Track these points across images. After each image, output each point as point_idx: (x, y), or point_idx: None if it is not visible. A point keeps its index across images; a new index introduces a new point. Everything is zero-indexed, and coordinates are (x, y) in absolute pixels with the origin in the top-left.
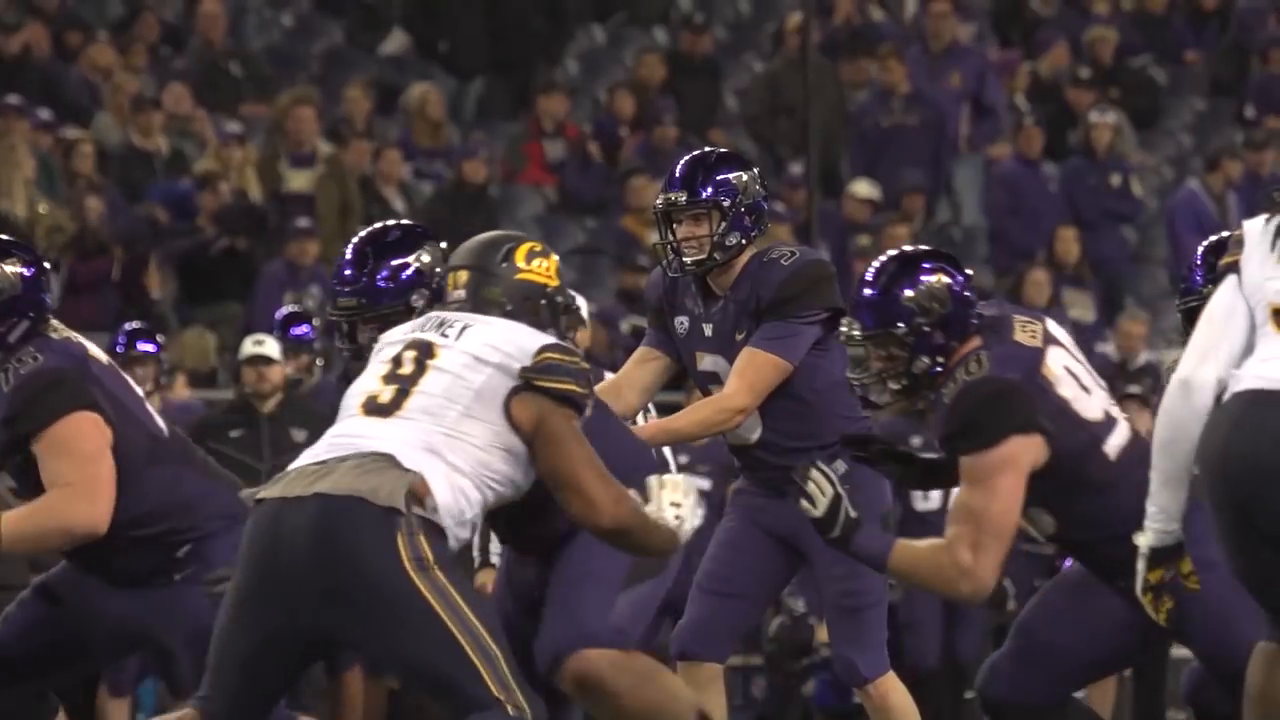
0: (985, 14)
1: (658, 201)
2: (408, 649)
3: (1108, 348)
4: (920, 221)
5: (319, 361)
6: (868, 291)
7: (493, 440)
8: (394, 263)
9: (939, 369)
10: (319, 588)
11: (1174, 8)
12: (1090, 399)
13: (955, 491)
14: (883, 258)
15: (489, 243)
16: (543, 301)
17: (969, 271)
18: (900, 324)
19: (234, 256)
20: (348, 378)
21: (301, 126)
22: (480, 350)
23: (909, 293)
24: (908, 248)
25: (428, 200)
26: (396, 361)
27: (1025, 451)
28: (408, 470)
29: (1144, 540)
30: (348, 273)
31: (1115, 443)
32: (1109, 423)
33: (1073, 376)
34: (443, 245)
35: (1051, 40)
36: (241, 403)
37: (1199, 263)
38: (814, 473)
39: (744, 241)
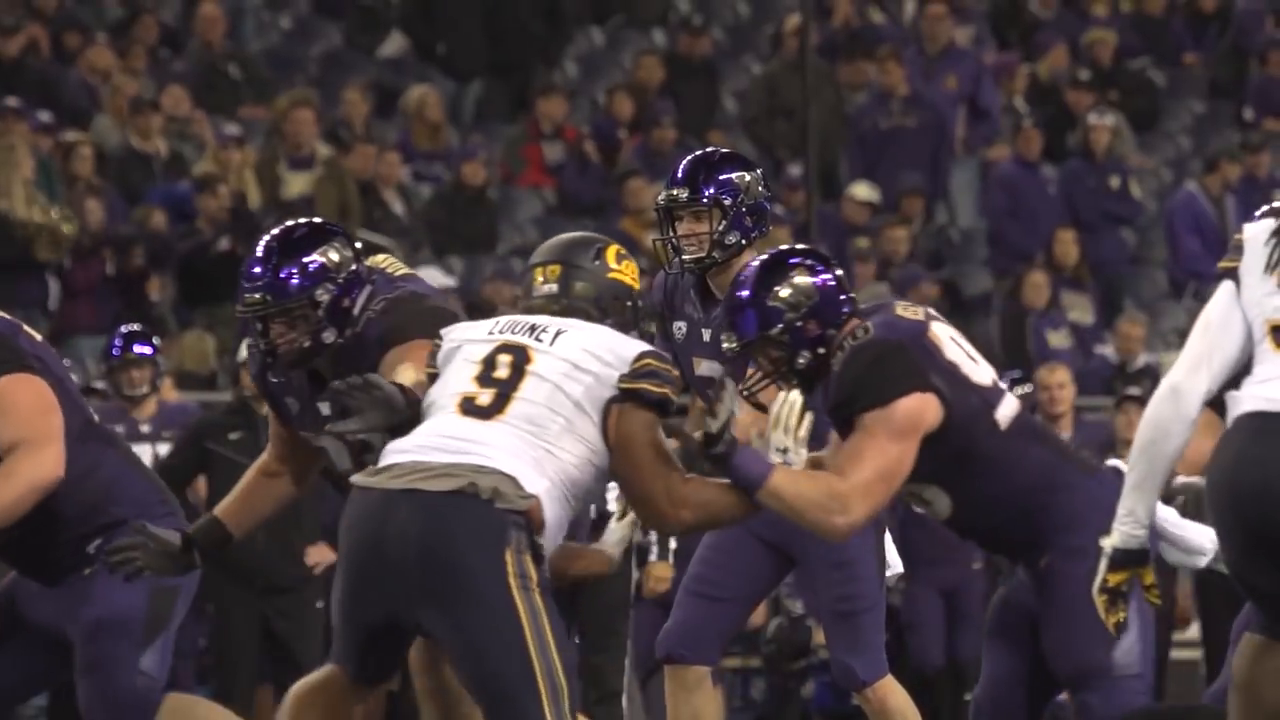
0: (984, 16)
1: (660, 198)
2: (484, 656)
3: (1107, 350)
4: (919, 224)
5: None
6: (737, 299)
7: (588, 458)
8: (300, 259)
9: (821, 357)
10: (421, 583)
11: (1173, 10)
12: (978, 368)
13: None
14: (750, 265)
15: (580, 240)
16: (629, 303)
17: (838, 270)
18: (775, 325)
19: (233, 259)
20: (263, 377)
21: (300, 129)
22: (578, 357)
23: (779, 292)
24: (772, 251)
25: (426, 202)
26: (489, 364)
27: (919, 408)
28: (528, 494)
29: (1109, 541)
30: (255, 269)
31: (1005, 412)
32: (998, 391)
33: (959, 346)
34: (357, 244)
35: (1050, 42)
36: (240, 404)
37: None
38: (730, 388)
39: (744, 241)
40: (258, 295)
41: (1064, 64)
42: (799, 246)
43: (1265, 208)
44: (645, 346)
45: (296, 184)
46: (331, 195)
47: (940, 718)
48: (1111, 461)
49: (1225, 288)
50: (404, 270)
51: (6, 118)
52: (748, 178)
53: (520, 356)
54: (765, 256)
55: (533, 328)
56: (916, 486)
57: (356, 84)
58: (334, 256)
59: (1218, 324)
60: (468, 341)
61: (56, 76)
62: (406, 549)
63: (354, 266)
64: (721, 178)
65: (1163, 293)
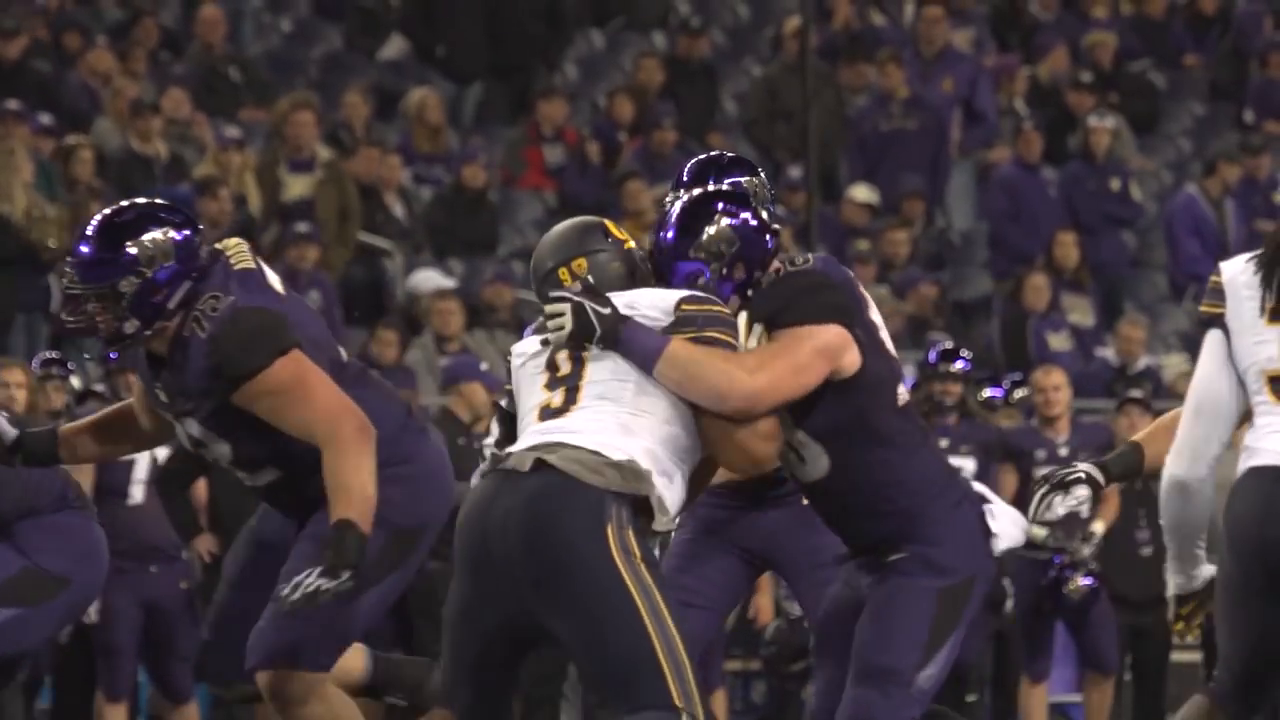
0: (984, 18)
1: (666, 200)
2: (600, 637)
3: (1107, 352)
4: (919, 226)
5: None
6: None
7: (672, 411)
8: (117, 246)
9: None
10: (528, 571)
11: (1173, 12)
12: (890, 343)
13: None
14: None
15: (585, 228)
16: (645, 265)
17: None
18: (699, 279)
19: None
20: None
21: (300, 132)
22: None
23: (701, 241)
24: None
25: (427, 205)
26: (552, 366)
27: (842, 341)
28: (620, 462)
29: (1171, 584)
30: (79, 247)
31: (904, 393)
32: (902, 371)
33: (879, 316)
34: (200, 227)
35: (1051, 44)
36: None
37: None
38: (550, 305)
39: None
40: (71, 273)
41: (1064, 66)
42: (716, 189)
43: (1248, 255)
44: (681, 293)
45: (297, 187)
46: (332, 198)
47: None
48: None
49: (1212, 339)
50: (245, 264)
51: (6, 121)
52: (755, 182)
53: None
54: (685, 201)
55: None
56: (803, 437)
57: (357, 86)
58: (151, 247)
59: (1210, 406)
60: (530, 356)
61: (57, 79)
62: (509, 540)
63: (178, 258)
64: (730, 181)
65: (1163, 295)
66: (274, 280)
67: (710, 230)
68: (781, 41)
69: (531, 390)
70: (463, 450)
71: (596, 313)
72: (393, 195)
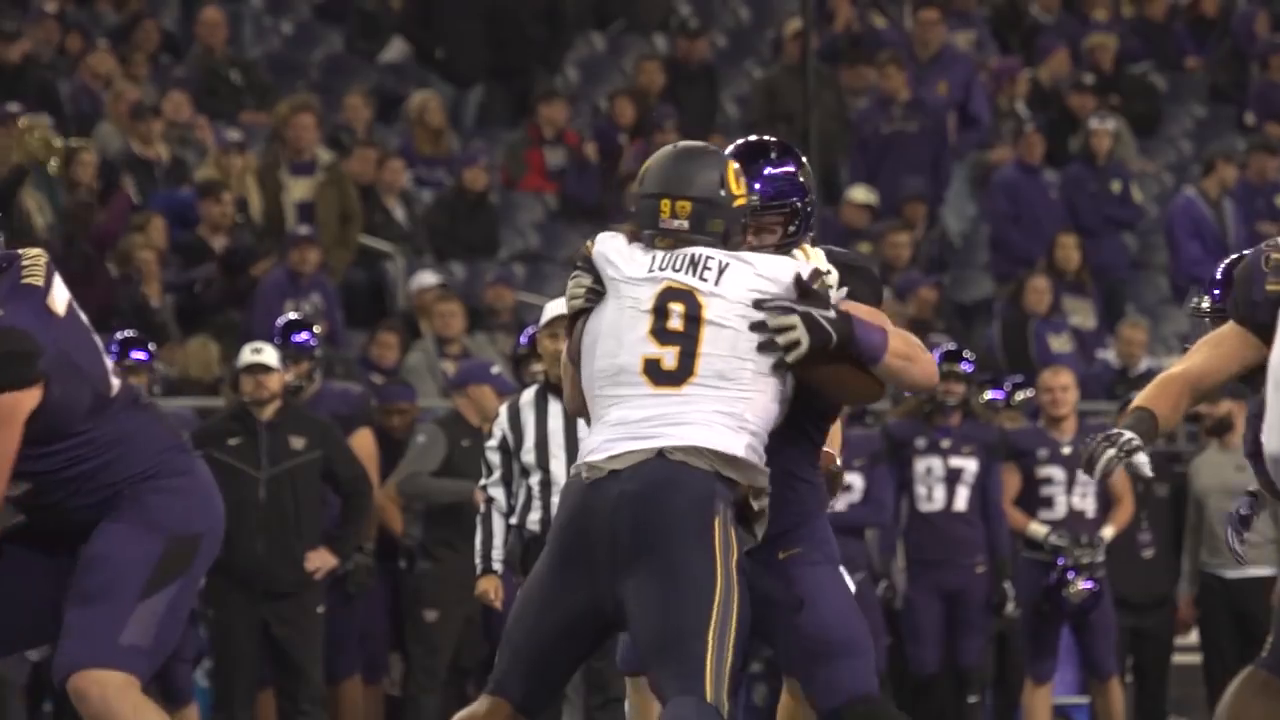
0: (985, 21)
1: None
2: (670, 610)
3: (1108, 354)
4: (921, 229)
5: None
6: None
7: (778, 390)
8: None
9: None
10: (629, 551)
11: (1174, 14)
12: None
13: (959, 493)
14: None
15: (713, 166)
16: (744, 220)
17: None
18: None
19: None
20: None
21: (301, 134)
22: (745, 297)
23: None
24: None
25: (428, 207)
26: (662, 314)
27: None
28: (728, 455)
29: None
30: None
31: None
32: None
33: None
34: None
35: (1052, 47)
36: (240, 411)
37: (1221, 279)
38: (775, 318)
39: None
40: None
41: (1065, 68)
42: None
43: None
44: (796, 267)
45: (298, 189)
46: (333, 200)
47: None
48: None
49: None
50: (32, 279)
51: (8, 123)
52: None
53: (691, 304)
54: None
55: (693, 262)
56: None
57: (358, 89)
58: None
59: None
60: (626, 281)
61: (58, 82)
62: (618, 518)
63: None
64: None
65: (1164, 297)
66: (58, 303)
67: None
68: (782, 44)
69: (634, 327)
70: (466, 452)
71: (827, 319)
72: (393, 198)
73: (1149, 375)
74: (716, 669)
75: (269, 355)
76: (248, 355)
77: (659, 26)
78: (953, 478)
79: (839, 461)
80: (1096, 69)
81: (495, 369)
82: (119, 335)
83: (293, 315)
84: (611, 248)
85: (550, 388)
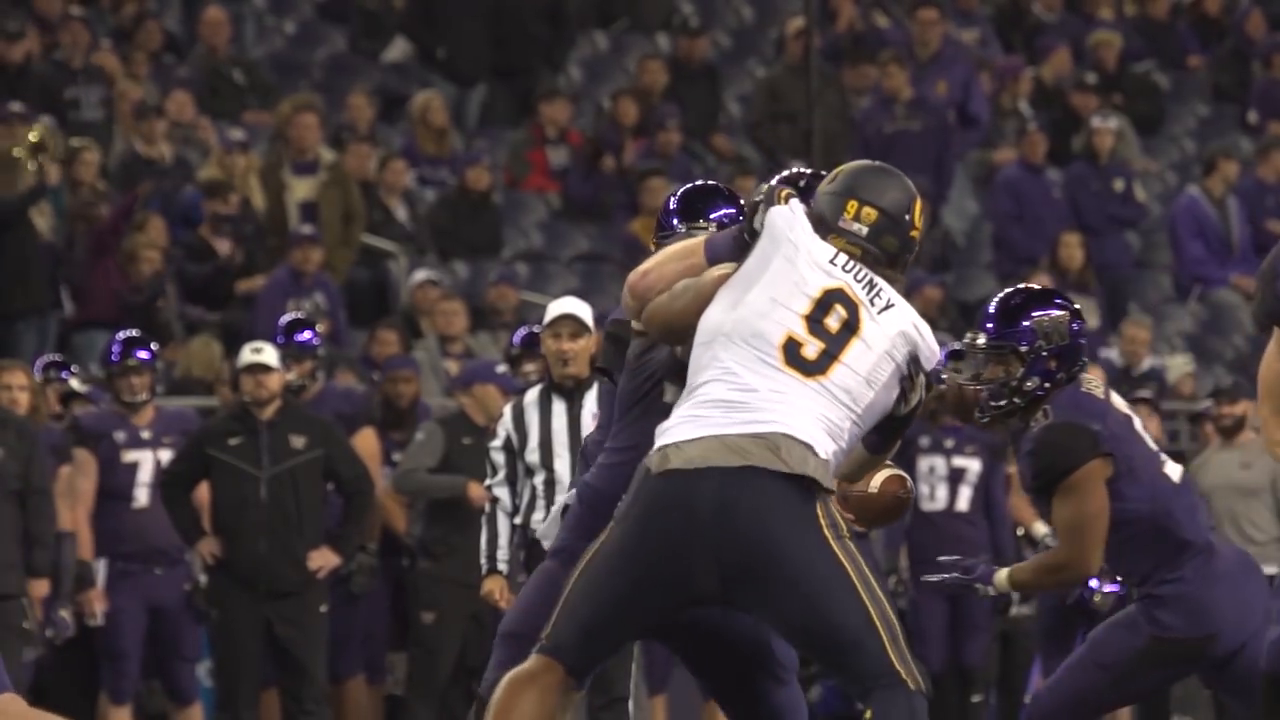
0: (988, 19)
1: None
2: (817, 611)
3: (1111, 353)
4: (923, 227)
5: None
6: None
7: (878, 418)
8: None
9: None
10: (739, 552)
11: (1177, 13)
12: None
13: (961, 492)
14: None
15: (904, 189)
16: (909, 256)
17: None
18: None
19: (239, 265)
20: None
21: (304, 134)
22: (897, 340)
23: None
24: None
25: (431, 207)
26: (823, 307)
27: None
28: (821, 459)
29: None
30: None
31: None
32: None
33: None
34: None
35: (1055, 46)
36: (240, 411)
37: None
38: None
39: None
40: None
41: (1068, 67)
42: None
43: None
44: (935, 356)
45: (301, 189)
46: (336, 200)
47: None
48: None
49: None
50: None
51: (11, 122)
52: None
53: (853, 316)
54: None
55: (871, 284)
56: None
57: (360, 89)
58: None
59: None
60: (808, 260)
61: (60, 82)
62: (721, 519)
63: None
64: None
65: (1167, 296)
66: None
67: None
68: (785, 43)
69: (791, 300)
70: (469, 449)
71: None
72: (396, 197)
73: (1152, 374)
74: (897, 650)
75: (269, 355)
76: (248, 355)
77: (661, 26)
78: (955, 477)
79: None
80: (1099, 68)
81: (500, 368)
82: (120, 335)
83: (296, 314)
84: (804, 216)
85: (554, 387)
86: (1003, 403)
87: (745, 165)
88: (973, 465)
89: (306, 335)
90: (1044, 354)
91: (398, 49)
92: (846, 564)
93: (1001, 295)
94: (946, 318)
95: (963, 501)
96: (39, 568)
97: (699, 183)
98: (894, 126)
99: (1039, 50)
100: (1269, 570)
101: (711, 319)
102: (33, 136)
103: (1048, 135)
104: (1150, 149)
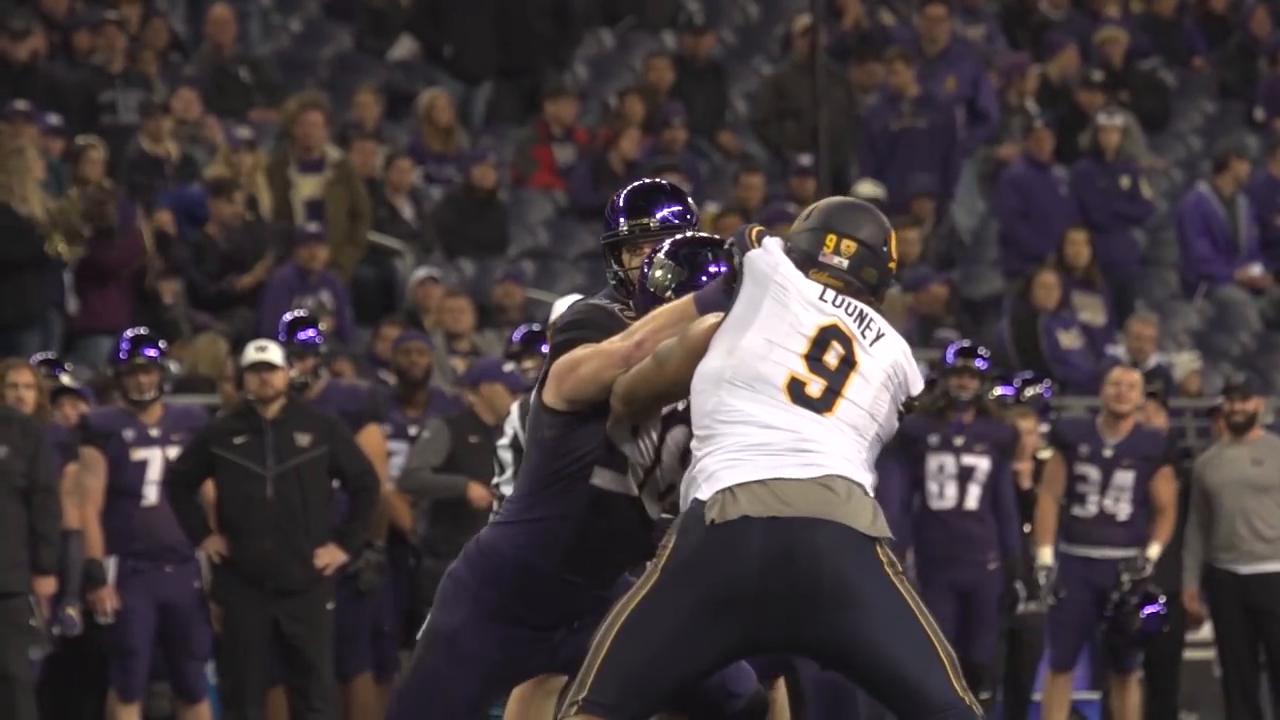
0: (994, 17)
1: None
2: (889, 649)
3: (1118, 350)
4: (930, 224)
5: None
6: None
7: (879, 450)
8: None
9: None
10: (808, 601)
11: (1184, 10)
12: None
13: (970, 490)
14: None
15: (879, 222)
16: (886, 289)
17: None
18: None
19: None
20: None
21: (310, 132)
22: (889, 370)
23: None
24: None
25: (437, 205)
26: (820, 345)
27: None
28: (863, 486)
29: None
30: None
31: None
32: None
33: None
34: None
35: (1061, 43)
36: (244, 409)
37: None
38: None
39: None
40: None
41: (1075, 64)
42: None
43: None
44: (921, 384)
45: (307, 187)
46: (342, 198)
47: None
48: None
49: None
50: None
51: (16, 121)
52: None
53: (849, 351)
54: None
55: (861, 316)
56: None
57: (367, 87)
58: None
59: None
60: (799, 298)
61: (65, 80)
62: (791, 565)
63: None
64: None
65: (1174, 293)
66: None
67: None
68: (791, 40)
69: (788, 343)
70: (475, 448)
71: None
72: (402, 195)
73: (1159, 371)
74: (960, 681)
75: (274, 353)
76: (252, 353)
77: (668, 24)
78: (965, 475)
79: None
80: (1106, 65)
81: (508, 366)
82: (128, 333)
83: (298, 312)
84: (784, 254)
85: None
86: None
87: (751, 163)
88: (982, 463)
89: (309, 333)
90: None
91: (404, 47)
92: (909, 601)
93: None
94: (953, 314)
95: (971, 500)
96: (45, 565)
97: (645, 181)
98: (900, 124)
99: (1045, 47)
100: (1278, 567)
101: (709, 367)
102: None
103: (1054, 132)
104: (1157, 146)
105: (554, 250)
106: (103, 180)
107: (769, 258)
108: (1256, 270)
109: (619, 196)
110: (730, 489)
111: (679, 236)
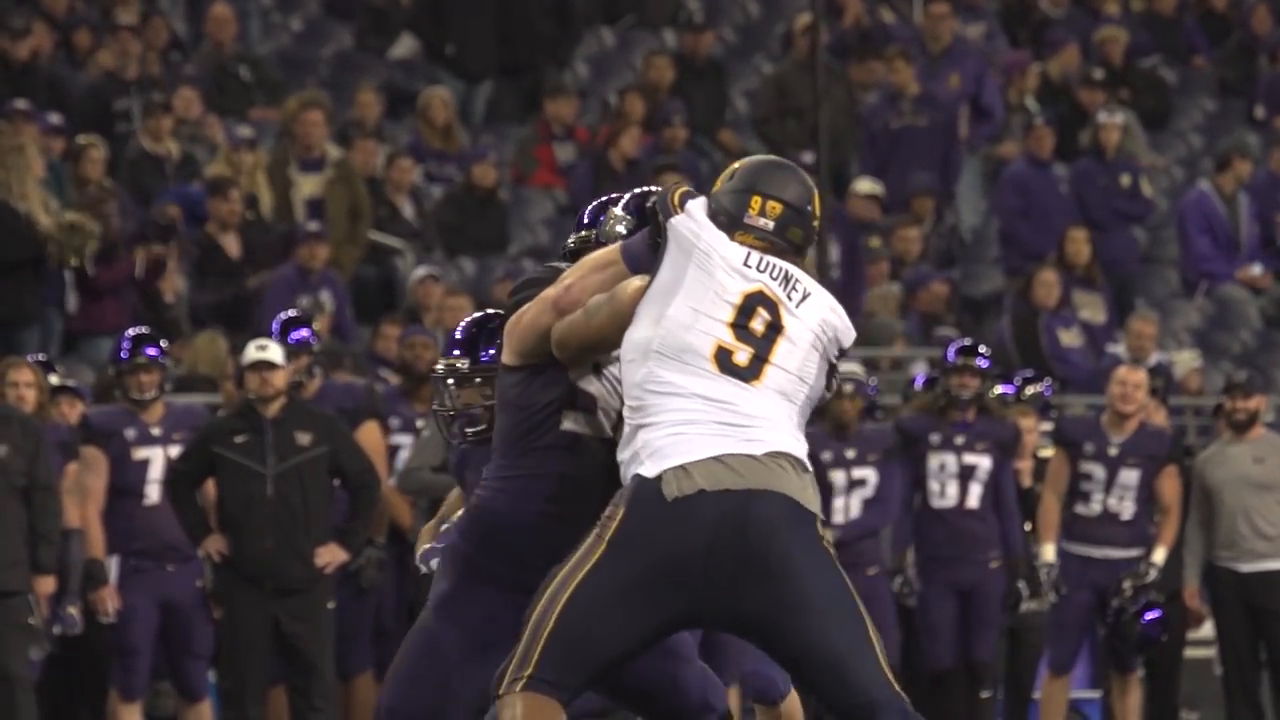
0: (994, 15)
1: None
2: (826, 629)
3: (1118, 348)
4: (930, 223)
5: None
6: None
7: (806, 414)
8: None
9: None
10: (751, 575)
11: (1184, 9)
12: None
13: (972, 489)
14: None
15: (803, 182)
16: (810, 247)
17: None
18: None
19: (246, 260)
20: None
21: (310, 131)
22: (816, 330)
23: None
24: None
25: (437, 203)
26: (746, 312)
27: None
28: (803, 462)
29: None
30: None
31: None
32: None
33: None
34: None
35: (1062, 41)
36: (245, 408)
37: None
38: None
39: None
40: None
41: (1075, 62)
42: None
43: None
44: (852, 335)
45: (307, 186)
46: (342, 197)
47: (955, 718)
48: None
49: None
50: None
51: (16, 120)
52: None
53: (774, 316)
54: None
55: (786, 277)
56: None
57: (367, 86)
58: None
59: None
60: (723, 265)
61: (66, 79)
62: (737, 541)
63: None
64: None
65: (1174, 291)
66: None
67: None
68: (792, 39)
69: (714, 311)
70: None
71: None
72: (403, 194)
73: (1159, 369)
74: (888, 669)
75: (274, 352)
76: (253, 352)
77: (668, 22)
78: (966, 474)
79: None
80: (1106, 63)
81: None
82: (130, 332)
83: (292, 312)
84: (706, 218)
85: None
86: (482, 427)
87: None
88: (983, 462)
89: (302, 333)
90: None
91: (404, 45)
92: (848, 584)
93: (470, 321)
94: (953, 313)
95: (973, 499)
96: (44, 564)
97: (611, 197)
98: (900, 122)
99: (1046, 45)
100: (1279, 565)
101: (637, 336)
102: (72, 219)
103: (1054, 130)
104: (1157, 144)
105: (554, 249)
106: (103, 180)
107: (691, 223)
108: (1257, 269)
109: (585, 211)
110: (684, 466)
111: (638, 190)
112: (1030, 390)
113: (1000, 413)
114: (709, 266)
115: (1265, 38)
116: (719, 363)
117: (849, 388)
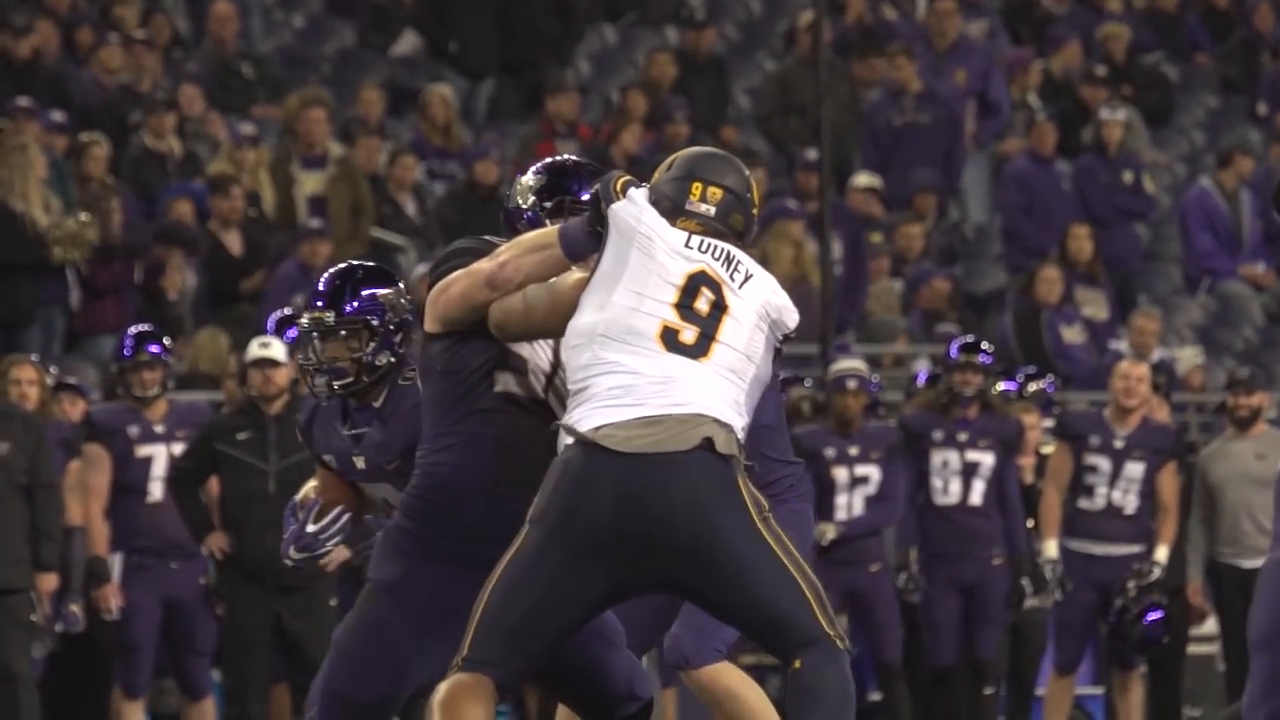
0: (996, 11)
1: (303, 320)
2: (752, 589)
3: (1121, 345)
4: (932, 220)
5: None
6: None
7: (757, 398)
8: None
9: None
10: (674, 539)
11: (1186, 5)
12: None
13: (975, 486)
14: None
15: (741, 170)
16: (751, 235)
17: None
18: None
19: (248, 259)
20: None
21: (312, 128)
22: (760, 310)
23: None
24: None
25: (439, 201)
26: (690, 293)
27: None
28: (739, 439)
29: None
30: None
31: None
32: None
33: None
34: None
35: (1064, 37)
36: (248, 405)
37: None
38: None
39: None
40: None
41: (1077, 59)
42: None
43: None
44: (796, 317)
45: (310, 183)
46: (344, 194)
47: (958, 715)
48: None
49: None
50: None
51: (18, 118)
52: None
53: (718, 295)
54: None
55: (729, 259)
56: None
57: (369, 83)
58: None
59: None
60: (665, 247)
61: (68, 77)
62: (654, 505)
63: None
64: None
65: (1177, 288)
66: None
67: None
68: (794, 36)
69: (658, 292)
70: None
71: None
72: (405, 191)
73: (1162, 366)
74: (825, 615)
75: (276, 349)
76: (255, 350)
77: (670, 19)
78: (969, 471)
79: None
80: (1108, 60)
81: None
82: (132, 330)
83: (286, 310)
84: (648, 203)
85: None
86: (350, 380)
87: (754, 158)
88: (986, 459)
89: (297, 332)
90: (391, 328)
91: (407, 43)
92: (772, 542)
93: (333, 273)
94: (956, 309)
95: (975, 495)
96: (46, 562)
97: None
98: (903, 119)
99: (1048, 42)
100: None
101: (581, 323)
102: (73, 225)
103: (1057, 127)
104: (1159, 141)
105: None
106: (105, 178)
107: (633, 208)
108: (1259, 265)
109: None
110: (599, 432)
111: (549, 160)
112: (1032, 387)
113: (1003, 409)
114: (651, 250)
115: (1267, 34)
116: (665, 342)
117: (852, 384)
